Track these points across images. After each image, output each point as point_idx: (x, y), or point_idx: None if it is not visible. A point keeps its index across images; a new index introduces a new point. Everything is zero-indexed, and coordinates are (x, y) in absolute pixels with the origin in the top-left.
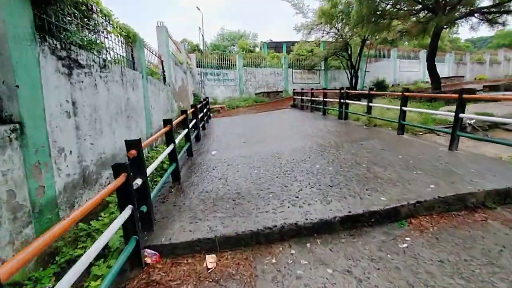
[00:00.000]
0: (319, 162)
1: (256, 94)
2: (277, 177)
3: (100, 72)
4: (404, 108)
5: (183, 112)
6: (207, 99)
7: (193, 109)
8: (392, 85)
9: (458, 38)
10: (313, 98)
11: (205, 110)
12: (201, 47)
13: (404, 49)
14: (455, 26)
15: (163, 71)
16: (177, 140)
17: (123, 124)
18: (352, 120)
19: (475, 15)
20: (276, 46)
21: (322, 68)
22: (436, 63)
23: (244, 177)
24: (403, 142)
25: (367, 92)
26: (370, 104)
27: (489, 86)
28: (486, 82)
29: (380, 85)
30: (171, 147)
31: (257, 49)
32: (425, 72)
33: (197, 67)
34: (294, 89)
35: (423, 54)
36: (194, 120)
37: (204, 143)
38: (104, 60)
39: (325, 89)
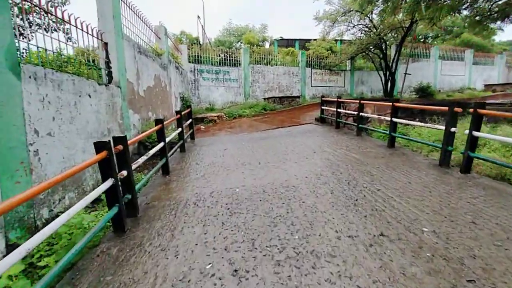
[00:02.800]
0: None
1: (265, 99)
2: None
3: None
4: None
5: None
6: (190, 109)
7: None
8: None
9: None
10: (360, 114)
11: (178, 132)
12: (201, 40)
13: (446, 47)
14: None
15: (108, 62)
16: None
17: None
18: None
19: None
20: (287, 45)
21: (348, 68)
22: (482, 66)
23: None
24: None
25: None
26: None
27: None
28: None
29: (424, 92)
30: None
31: (267, 45)
32: (471, 76)
33: (190, 62)
34: (322, 97)
35: (469, 54)
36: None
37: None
38: None
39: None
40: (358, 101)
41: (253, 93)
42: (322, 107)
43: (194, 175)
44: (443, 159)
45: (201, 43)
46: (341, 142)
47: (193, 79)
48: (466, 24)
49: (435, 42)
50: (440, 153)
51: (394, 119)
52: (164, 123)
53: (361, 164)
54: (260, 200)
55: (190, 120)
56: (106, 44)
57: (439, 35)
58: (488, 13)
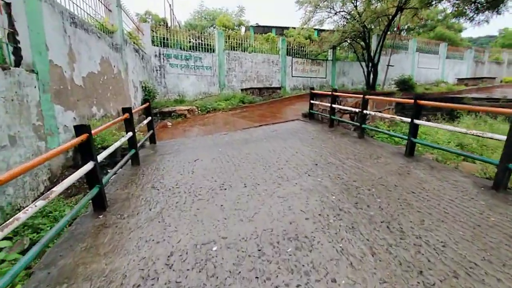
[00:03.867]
0: None
1: (242, 90)
2: None
3: None
4: None
5: None
6: (148, 103)
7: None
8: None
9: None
10: (364, 111)
11: (125, 138)
12: (169, 22)
13: (422, 40)
14: None
15: (13, 33)
16: None
17: None
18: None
19: None
20: (263, 32)
21: (330, 58)
22: (453, 60)
23: None
24: None
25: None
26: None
27: None
28: None
29: (406, 84)
30: None
31: (243, 31)
32: (444, 70)
33: (155, 45)
34: (311, 89)
35: (443, 48)
36: None
37: None
38: None
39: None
40: (359, 95)
41: (229, 83)
42: (312, 101)
43: (145, 213)
44: (501, 180)
45: (169, 25)
46: (344, 148)
47: (158, 65)
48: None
49: (410, 35)
50: (497, 171)
51: (417, 121)
52: (99, 128)
53: (387, 186)
54: (257, 277)
55: (149, 118)
56: (8, 4)
57: (415, 27)
58: (474, 3)
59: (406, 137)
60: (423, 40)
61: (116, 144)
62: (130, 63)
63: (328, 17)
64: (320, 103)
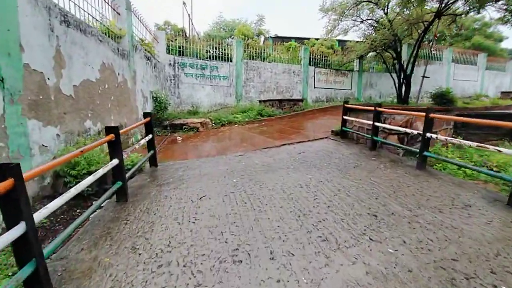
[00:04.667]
0: None
1: (261, 102)
2: None
3: None
4: None
5: None
6: (150, 118)
7: None
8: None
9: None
10: (427, 134)
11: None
12: (187, 32)
13: (458, 50)
14: None
15: None
16: None
17: None
18: None
19: None
20: (282, 42)
21: (356, 69)
22: (493, 72)
23: None
24: None
25: None
26: None
27: None
28: None
29: (444, 98)
30: None
31: (262, 40)
32: (483, 82)
33: (169, 53)
34: (345, 102)
35: (482, 59)
36: None
37: None
38: None
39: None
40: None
41: (246, 94)
42: (345, 117)
43: None
44: None
45: (187, 34)
46: (406, 186)
47: (172, 74)
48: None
49: (442, 44)
50: None
51: None
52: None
53: None
54: None
55: (150, 136)
56: None
57: (446, 37)
58: None
59: (509, 178)
60: (459, 50)
61: (85, 182)
62: (139, 71)
63: (353, 26)
64: (357, 119)
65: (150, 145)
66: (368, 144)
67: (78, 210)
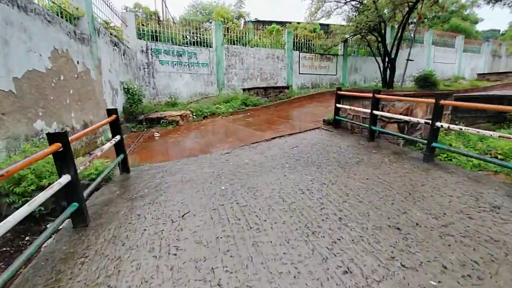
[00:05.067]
0: None
1: (244, 90)
2: None
3: None
4: None
5: None
6: (115, 116)
7: None
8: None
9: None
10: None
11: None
12: (160, 15)
13: (437, 32)
14: None
15: None
16: None
17: None
18: None
19: None
20: (264, 26)
21: (340, 53)
22: (470, 54)
23: None
24: None
25: None
26: None
27: None
28: None
29: (427, 81)
30: None
31: (242, 24)
32: (461, 65)
33: (141, 38)
34: (337, 89)
35: (460, 41)
36: None
37: None
38: None
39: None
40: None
41: (228, 82)
42: (338, 105)
43: None
44: None
45: (160, 18)
46: (420, 184)
47: (146, 62)
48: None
49: (421, 27)
50: None
51: None
52: None
53: None
54: None
55: (118, 137)
56: None
57: (427, 18)
58: None
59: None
60: (438, 33)
61: (36, 201)
62: (106, 59)
63: (336, 8)
64: (352, 107)
65: (119, 148)
66: (365, 134)
67: (27, 238)
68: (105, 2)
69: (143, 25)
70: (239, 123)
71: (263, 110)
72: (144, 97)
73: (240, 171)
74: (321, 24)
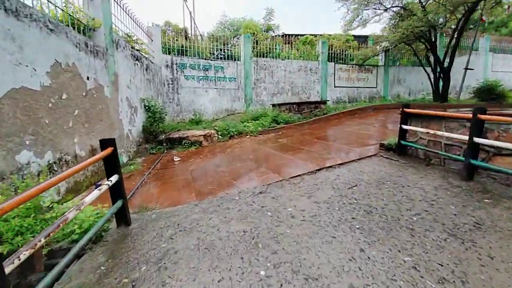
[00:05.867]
0: None
1: (274, 106)
2: None
3: None
4: None
5: None
6: (113, 148)
7: None
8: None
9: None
10: None
11: None
12: (189, 31)
13: (496, 38)
14: None
15: None
16: None
17: None
18: None
19: None
20: (289, 42)
21: (381, 63)
22: None
23: None
24: None
25: None
26: None
27: None
28: None
29: (492, 93)
30: None
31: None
32: None
33: (165, 53)
34: (404, 106)
35: None
36: None
37: None
38: None
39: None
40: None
41: (257, 98)
42: (404, 126)
43: None
44: None
45: (188, 34)
46: None
47: (171, 78)
48: None
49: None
50: None
51: None
52: None
53: None
54: None
55: (116, 177)
56: None
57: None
58: None
59: None
60: (496, 38)
61: None
62: (124, 74)
63: (374, 16)
64: (429, 130)
65: (116, 193)
66: (451, 168)
67: None
68: (127, 13)
69: (171, 40)
70: (271, 145)
71: (297, 128)
72: (166, 114)
73: (284, 232)
74: (354, 36)
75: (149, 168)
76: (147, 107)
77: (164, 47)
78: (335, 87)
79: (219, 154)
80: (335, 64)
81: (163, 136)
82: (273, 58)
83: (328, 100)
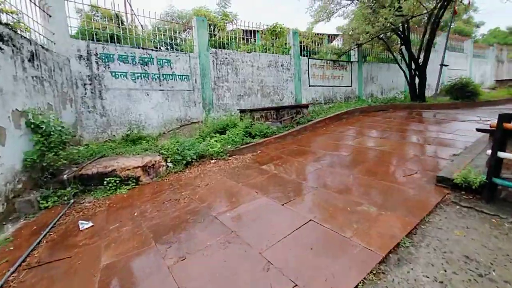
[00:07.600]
0: None
1: (243, 112)
2: None
3: None
4: None
5: None
6: None
7: None
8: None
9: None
10: None
11: None
12: (124, 18)
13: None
14: None
15: None
16: None
17: None
18: None
19: None
20: (247, 37)
21: (354, 59)
22: (478, 60)
23: None
24: None
25: None
26: None
27: None
28: None
29: (466, 91)
30: None
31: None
32: (471, 71)
33: (78, 38)
34: (502, 119)
35: (469, 45)
36: None
37: None
38: None
39: None
40: None
41: (219, 101)
42: (502, 154)
43: None
44: None
45: (124, 21)
46: None
47: (88, 75)
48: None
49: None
50: None
51: None
52: None
53: None
54: None
55: None
56: None
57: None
58: None
59: None
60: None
61: None
62: None
63: (341, 7)
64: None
65: None
66: None
67: None
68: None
69: (89, 22)
70: (252, 180)
71: (281, 144)
72: (72, 136)
73: None
74: (321, 34)
75: (18, 258)
76: (33, 126)
77: (80, 31)
78: (309, 86)
79: (168, 206)
80: (308, 59)
81: (69, 173)
82: (236, 50)
83: (311, 104)
